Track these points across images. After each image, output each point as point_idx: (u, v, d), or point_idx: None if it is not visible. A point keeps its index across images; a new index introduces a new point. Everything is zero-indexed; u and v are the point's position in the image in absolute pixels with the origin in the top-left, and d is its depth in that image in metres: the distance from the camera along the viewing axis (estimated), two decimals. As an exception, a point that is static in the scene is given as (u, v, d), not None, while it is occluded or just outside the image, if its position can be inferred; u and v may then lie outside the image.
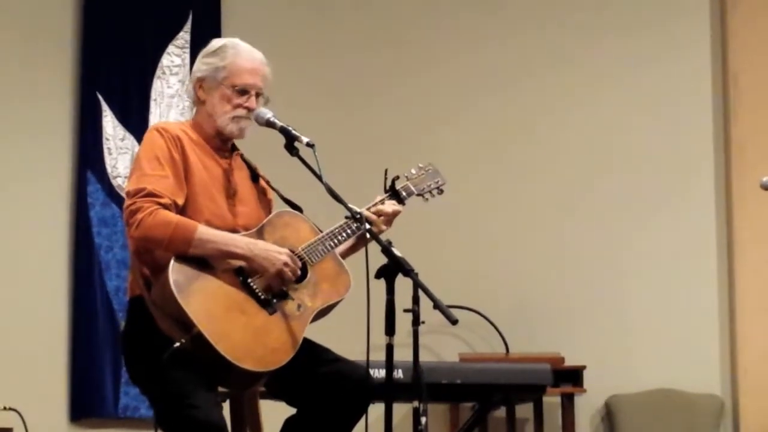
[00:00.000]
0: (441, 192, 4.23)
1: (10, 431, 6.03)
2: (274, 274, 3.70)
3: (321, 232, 3.89)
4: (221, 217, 3.80)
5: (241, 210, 3.86)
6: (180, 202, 3.73)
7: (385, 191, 4.09)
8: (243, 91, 3.86)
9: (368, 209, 3.98)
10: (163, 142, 3.77)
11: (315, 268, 3.83)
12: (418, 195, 4.18)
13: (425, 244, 6.19)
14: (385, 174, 4.09)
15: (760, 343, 6.60)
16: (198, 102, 3.91)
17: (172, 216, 3.66)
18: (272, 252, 3.71)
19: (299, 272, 3.76)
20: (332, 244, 3.86)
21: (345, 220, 3.88)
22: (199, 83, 3.90)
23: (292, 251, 3.77)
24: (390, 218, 4.02)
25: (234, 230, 3.78)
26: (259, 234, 3.81)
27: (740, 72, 6.78)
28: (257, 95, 3.88)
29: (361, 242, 3.94)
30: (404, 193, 4.12)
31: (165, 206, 3.66)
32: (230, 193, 3.86)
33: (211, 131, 3.88)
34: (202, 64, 3.91)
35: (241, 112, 3.85)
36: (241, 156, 3.99)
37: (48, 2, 6.73)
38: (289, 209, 3.96)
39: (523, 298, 6.76)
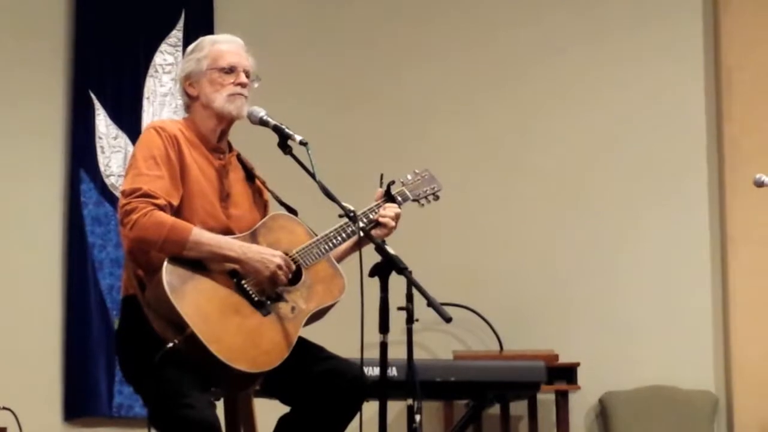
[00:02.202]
0: (437, 198, 4.25)
1: (4, 431, 6.02)
2: (267, 277, 3.70)
3: (316, 235, 3.89)
4: (216, 218, 3.79)
5: (234, 213, 3.85)
6: (175, 202, 3.72)
7: (382, 195, 4.09)
8: (229, 70, 3.86)
9: (365, 212, 3.97)
10: (161, 141, 3.76)
11: (309, 270, 3.82)
12: (414, 200, 4.20)
13: (419, 242, 6.18)
14: (381, 179, 4.09)
15: (754, 339, 6.61)
16: (191, 100, 3.91)
17: (167, 217, 3.65)
18: (266, 255, 3.71)
19: (291, 276, 3.76)
20: (327, 247, 3.86)
21: (340, 223, 3.88)
22: (187, 81, 3.90)
23: (286, 254, 3.77)
24: (396, 221, 4.02)
25: (228, 231, 3.78)
26: (253, 236, 3.80)
27: (733, 69, 6.79)
28: (246, 75, 3.89)
29: (357, 244, 3.93)
30: (400, 198, 4.12)
31: (160, 207, 3.65)
32: (223, 196, 3.85)
33: (209, 125, 3.88)
34: (185, 63, 3.94)
35: (234, 89, 3.86)
36: (238, 156, 3.99)
37: (40, 1, 6.72)
38: (284, 212, 3.95)
39: (517, 296, 6.77)
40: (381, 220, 3.98)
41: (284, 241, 3.83)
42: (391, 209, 4.01)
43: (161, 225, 3.62)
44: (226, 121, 3.90)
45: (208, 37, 3.98)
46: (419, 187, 4.22)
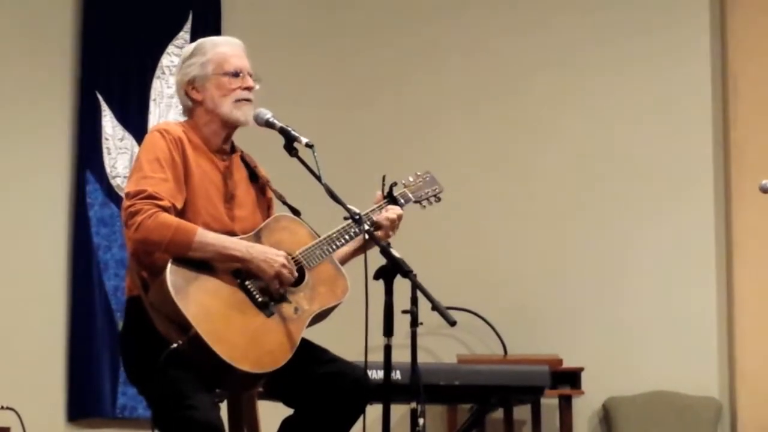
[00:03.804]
0: (438, 200, 4.25)
1: (7, 430, 6.03)
2: (271, 276, 3.70)
3: (319, 236, 3.89)
4: (219, 220, 3.79)
5: (238, 214, 3.86)
6: (179, 205, 3.72)
7: (383, 197, 4.09)
8: (236, 74, 3.86)
9: (367, 214, 3.97)
10: (165, 143, 3.76)
11: (312, 272, 3.83)
12: (416, 202, 4.19)
13: (424, 245, 6.19)
14: (383, 180, 4.09)
15: (759, 345, 6.60)
16: (193, 104, 3.89)
17: (172, 219, 3.65)
18: (270, 254, 3.71)
19: (296, 275, 3.76)
20: (330, 248, 3.86)
21: (343, 225, 3.88)
22: (190, 85, 3.88)
23: (289, 255, 3.77)
24: (397, 223, 4.02)
25: (232, 233, 3.78)
26: (257, 237, 3.81)
27: (740, 74, 6.79)
28: (249, 76, 3.89)
29: (361, 247, 3.94)
30: (402, 200, 4.11)
31: (165, 209, 3.65)
32: (227, 197, 3.85)
33: (213, 129, 3.87)
34: (186, 67, 3.90)
35: (242, 93, 3.85)
36: (241, 156, 3.98)
37: (48, 2, 6.73)
38: (288, 213, 3.95)
39: (521, 300, 6.76)
40: (383, 220, 3.98)
41: (287, 242, 3.83)
42: (393, 211, 4.01)
43: (166, 226, 3.62)
44: (231, 127, 3.90)
45: (207, 40, 3.95)
46: (421, 189, 4.22)
